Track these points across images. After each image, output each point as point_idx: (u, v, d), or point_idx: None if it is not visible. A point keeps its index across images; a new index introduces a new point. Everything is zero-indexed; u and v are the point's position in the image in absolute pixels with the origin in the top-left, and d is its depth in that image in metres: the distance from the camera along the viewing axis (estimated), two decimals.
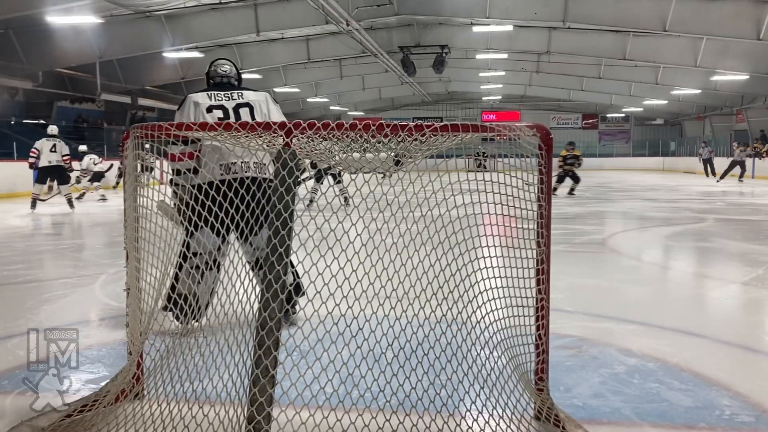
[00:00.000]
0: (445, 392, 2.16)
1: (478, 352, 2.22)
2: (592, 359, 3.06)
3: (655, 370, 2.89)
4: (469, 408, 2.25)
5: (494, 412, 2.20)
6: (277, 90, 27.20)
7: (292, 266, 3.42)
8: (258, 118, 3.55)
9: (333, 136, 2.08)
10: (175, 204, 3.35)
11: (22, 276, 5.38)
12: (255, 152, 3.13)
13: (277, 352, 2.00)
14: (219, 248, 3.28)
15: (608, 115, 38.24)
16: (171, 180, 3.40)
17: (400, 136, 2.09)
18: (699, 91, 24.41)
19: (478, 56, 22.11)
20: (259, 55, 20.81)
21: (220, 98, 3.51)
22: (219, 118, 3.47)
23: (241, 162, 3.35)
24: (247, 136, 2.20)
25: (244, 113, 3.52)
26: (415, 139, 2.12)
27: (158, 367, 2.29)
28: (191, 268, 3.20)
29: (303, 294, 3.38)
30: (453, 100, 37.42)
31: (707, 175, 24.30)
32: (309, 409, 2.18)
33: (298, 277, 3.47)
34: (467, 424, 2.25)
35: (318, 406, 2.15)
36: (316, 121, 2.06)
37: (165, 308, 3.03)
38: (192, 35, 17.11)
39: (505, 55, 21.44)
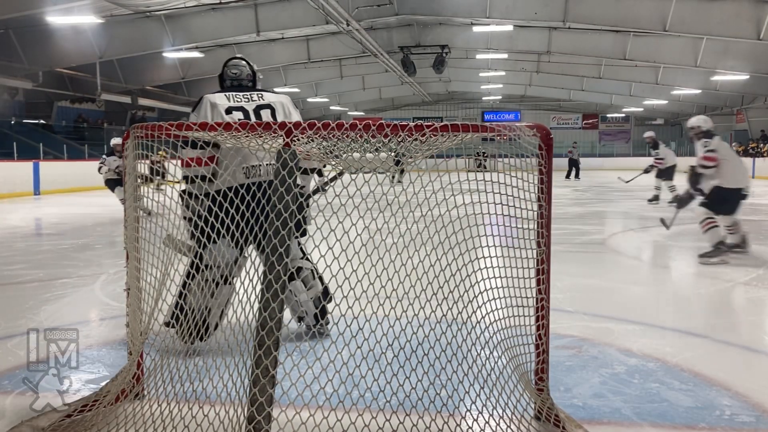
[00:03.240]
0: (445, 392, 2.16)
1: (478, 352, 2.22)
2: (592, 359, 3.06)
3: (655, 370, 2.89)
4: (469, 408, 2.25)
5: (494, 412, 2.20)
6: (277, 90, 27.14)
7: (317, 273, 3.36)
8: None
9: (333, 136, 2.08)
10: (185, 217, 3.04)
11: (22, 276, 5.38)
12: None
13: (277, 352, 1.99)
14: (236, 261, 3.02)
15: (608, 115, 38.25)
16: (184, 190, 3.08)
17: (400, 136, 2.09)
18: (699, 91, 24.42)
19: (478, 56, 22.12)
20: (259, 55, 20.81)
21: (239, 99, 3.25)
22: (239, 120, 3.16)
23: (267, 164, 3.09)
24: (247, 137, 2.20)
25: (266, 115, 3.26)
26: (415, 139, 2.12)
27: (158, 367, 2.29)
28: (203, 281, 2.93)
29: (330, 300, 3.34)
30: (453, 100, 37.43)
31: (568, 176, 23.95)
32: (309, 409, 2.18)
33: (322, 282, 3.41)
34: (467, 424, 2.25)
35: (318, 406, 2.15)
36: (316, 121, 2.06)
37: (168, 324, 2.78)
38: (192, 35, 17.12)
39: (505, 55, 21.45)
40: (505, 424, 2.18)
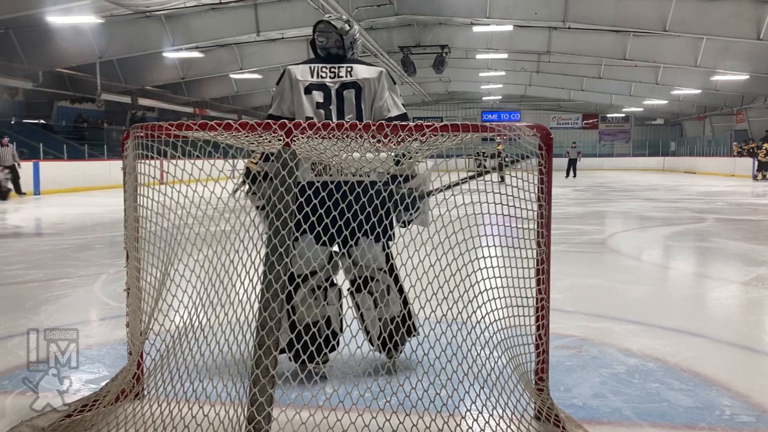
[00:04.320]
0: (445, 392, 2.16)
1: (478, 352, 2.22)
2: (592, 359, 3.06)
3: (655, 370, 2.89)
4: (469, 408, 2.25)
5: (494, 412, 2.20)
6: None
7: (402, 292, 2.80)
8: (365, 106, 2.82)
9: (333, 136, 2.08)
10: (257, 206, 2.72)
11: (22, 276, 5.37)
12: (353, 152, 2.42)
13: (277, 352, 1.99)
14: (330, 261, 2.74)
15: (608, 115, 38.25)
16: (257, 172, 2.77)
17: (400, 136, 2.08)
18: (699, 91, 24.43)
19: (478, 56, 22.13)
20: (259, 55, 20.81)
21: (323, 74, 2.79)
22: (318, 104, 2.78)
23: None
24: (247, 137, 2.19)
25: (349, 97, 2.79)
26: (415, 139, 2.12)
27: (158, 367, 2.29)
28: (310, 291, 2.70)
29: (415, 334, 2.76)
30: (453, 100, 37.42)
31: (567, 175, 24.57)
32: (309, 409, 2.18)
33: (406, 306, 2.80)
34: (467, 424, 2.24)
35: (318, 406, 2.15)
36: (316, 121, 2.06)
37: (288, 351, 2.64)
38: (192, 35, 17.11)
39: (505, 55, 21.46)
40: (505, 424, 2.18)
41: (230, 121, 2.10)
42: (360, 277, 2.71)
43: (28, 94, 22.35)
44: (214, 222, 2.31)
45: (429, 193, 2.79)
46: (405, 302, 2.78)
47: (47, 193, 16.09)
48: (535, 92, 31.53)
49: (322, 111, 2.78)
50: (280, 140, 2.11)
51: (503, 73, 25.76)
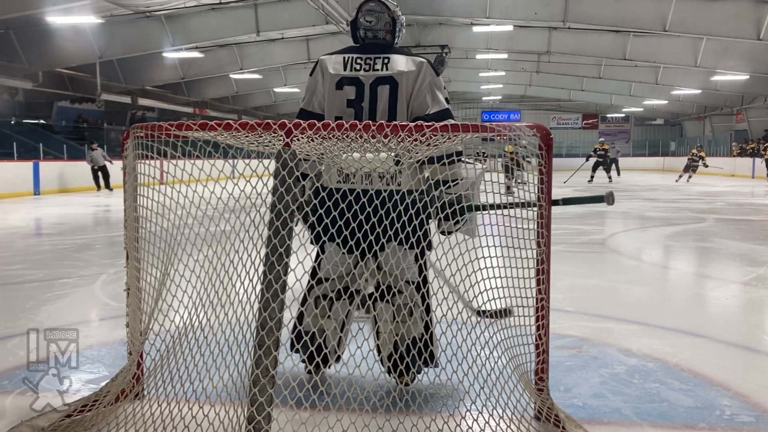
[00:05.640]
0: (445, 392, 2.16)
1: (478, 352, 2.22)
2: (592, 359, 3.06)
3: (655, 370, 2.89)
4: (469, 408, 2.25)
5: (494, 412, 2.20)
6: (277, 90, 27.22)
7: (427, 314, 2.51)
8: (400, 104, 2.52)
9: (333, 136, 2.07)
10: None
11: (22, 276, 5.37)
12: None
13: (277, 352, 1.99)
14: (356, 270, 2.49)
15: (608, 115, 38.27)
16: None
17: (400, 136, 2.08)
18: (699, 91, 24.45)
19: (478, 56, 22.16)
20: (259, 55, 20.84)
21: (358, 66, 2.52)
22: (349, 101, 2.52)
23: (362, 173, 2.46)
24: (247, 137, 2.19)
25: (383, 93, 2.49)
26: (415, 139, 2.12)
27: (158, 367, 2.29)
28: (317, 298, 2.56)
29: (432, 366, 2.50)
30: (453, 100, 37.22)
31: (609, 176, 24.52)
32: (309, 409, 2.18)
33: (428, 331, 2.50)
34: (467, 424, 2.24)
35: (318, 407, 2.15)
36: (316, 121, 2.06)
37: (292, 348, 2.53)
38: (192, 35, 17.14)
39: (505, 55, 21.48)
40: (505, 424, 2.18)
41: (230, 121, 2.10)
42: (384, 284, 2.45)
43: (28, 94, 22.36)
44: (214, 222, 2.31)
45: (476, 207, 2.49)
46: (427, 327, 2.50)
47: (47, 193, 16.10)
48: (535, 92, 31.55)
49: (352, 109, 2.53)
50: (280, 140, 2.11)
51: (503, 73, 25.79)
